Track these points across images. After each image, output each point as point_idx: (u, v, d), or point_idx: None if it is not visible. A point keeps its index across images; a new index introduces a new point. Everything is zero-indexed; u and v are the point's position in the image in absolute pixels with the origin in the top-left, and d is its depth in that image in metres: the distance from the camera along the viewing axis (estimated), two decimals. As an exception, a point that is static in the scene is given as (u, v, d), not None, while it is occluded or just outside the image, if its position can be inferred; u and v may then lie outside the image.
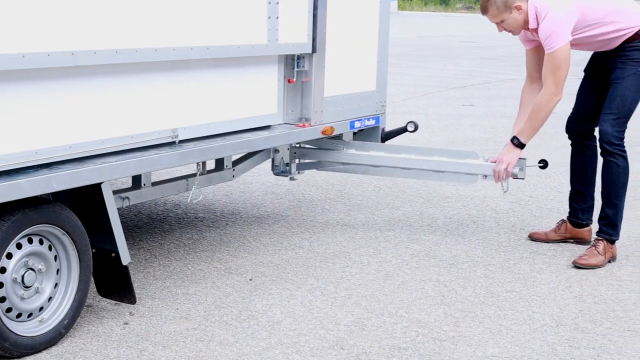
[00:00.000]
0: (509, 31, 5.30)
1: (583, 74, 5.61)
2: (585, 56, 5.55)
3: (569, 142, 5.67)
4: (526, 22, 5.20)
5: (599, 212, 5.41)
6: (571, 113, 5.63)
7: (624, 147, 5.27)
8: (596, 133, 5.43)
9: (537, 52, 5.38)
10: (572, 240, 5.73)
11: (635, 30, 5.20)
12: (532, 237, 5.80)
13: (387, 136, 6.04)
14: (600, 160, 5.41)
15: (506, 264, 5.27)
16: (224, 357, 3.84)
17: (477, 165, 5.57)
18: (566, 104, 5.67)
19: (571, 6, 5.12)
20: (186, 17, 4.30)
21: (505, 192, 5.62)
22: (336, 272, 5.03)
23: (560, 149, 8.18)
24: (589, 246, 5.37)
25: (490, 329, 4.28)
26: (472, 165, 5.59)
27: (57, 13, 3.62)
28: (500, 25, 5.27)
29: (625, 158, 5.27)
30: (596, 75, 5.47)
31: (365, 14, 5.70)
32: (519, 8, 5.15)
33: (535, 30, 5.20)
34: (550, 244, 5.66)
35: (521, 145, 5.34)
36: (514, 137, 5.34)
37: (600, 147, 5.29)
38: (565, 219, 5.77)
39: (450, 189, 7.13)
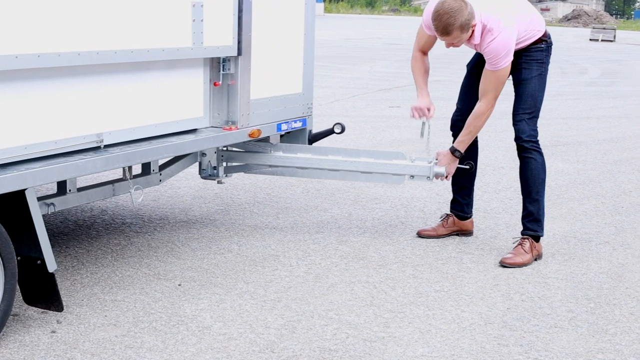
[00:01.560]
0: (455, 46, 5.29)
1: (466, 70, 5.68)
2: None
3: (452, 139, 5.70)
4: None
5: (521, 212, 5.50)
6: (456, 111, 5.68)
7: (539, 143, 5.41)
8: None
9: (434, 39, 5.43)
10: (457, 233, 5.91)
11: (541, 34, 5.36)
12: (422, 235, 5.88)
13: (314, 138, 6.05)
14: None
15: (434, 264, 5.31)
16: (154, 363, 3.81)
17: (404, 165, 5.61)
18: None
19: (514, 22, 5.19)
20: (110, 20, 4.25)
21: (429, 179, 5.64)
22: (265, 275, 5.02)
23: (484, 150, 8.28)
24: (515, 245, 5.43)
25: (420, 329, 4.31)
26: (399, 166, 5.63)
27: (-23, 17, 3.55)
28: (455, 43, 5.23)
29: (541, 154, 5.42)
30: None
31: (290, 16, 5.70)
32: (474, 25, 5.16)
33: (477, 45, 5.22)
34: (478, 243, 5.74)
35: (461, 156, 5.48)
36: (456, 150, 5.44)
37: (518, 146, 5.40)
38: (449, 213, 5.92)
39: (378, 190, 7.16)
